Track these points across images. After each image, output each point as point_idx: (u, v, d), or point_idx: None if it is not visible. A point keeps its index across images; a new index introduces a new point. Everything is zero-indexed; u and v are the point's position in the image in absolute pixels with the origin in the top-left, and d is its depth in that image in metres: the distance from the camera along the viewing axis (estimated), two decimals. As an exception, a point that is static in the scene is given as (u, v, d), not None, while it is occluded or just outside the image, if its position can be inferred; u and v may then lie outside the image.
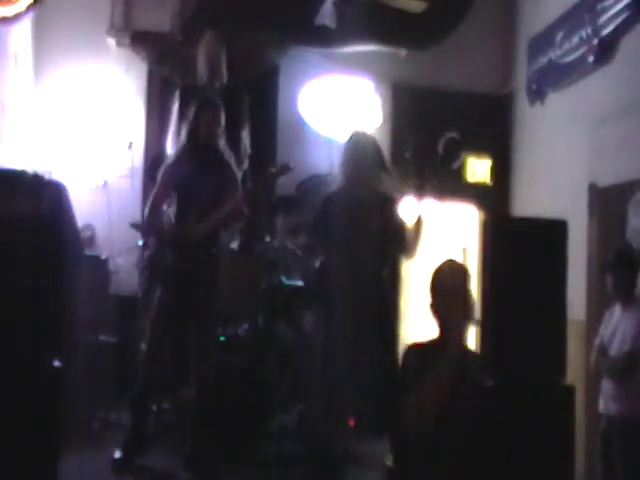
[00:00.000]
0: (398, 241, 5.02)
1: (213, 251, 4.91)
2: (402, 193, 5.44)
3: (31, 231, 3.46)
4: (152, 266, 5.14)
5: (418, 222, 5.03)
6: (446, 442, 3.27)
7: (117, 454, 4.84)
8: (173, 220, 4.98)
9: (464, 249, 9.00)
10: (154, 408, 5.36)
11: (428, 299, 3.53)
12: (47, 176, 3.83)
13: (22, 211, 3.49)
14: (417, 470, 3.32)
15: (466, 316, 3.51)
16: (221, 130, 4.99)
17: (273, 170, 5.06)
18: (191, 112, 5.01)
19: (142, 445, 4.88)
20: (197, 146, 4.94)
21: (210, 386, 4.95)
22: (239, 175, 5.15)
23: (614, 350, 5.10)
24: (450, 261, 3.65)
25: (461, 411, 3.29)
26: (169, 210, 5.06)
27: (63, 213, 3.74)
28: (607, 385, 5.14)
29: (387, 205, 5.06)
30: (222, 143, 5.02)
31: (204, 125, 4.92)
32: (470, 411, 3.32)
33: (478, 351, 3.74)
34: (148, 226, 5.03)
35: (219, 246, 5.01)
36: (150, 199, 5.01)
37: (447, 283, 3.49)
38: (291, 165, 5.07)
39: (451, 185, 7.71)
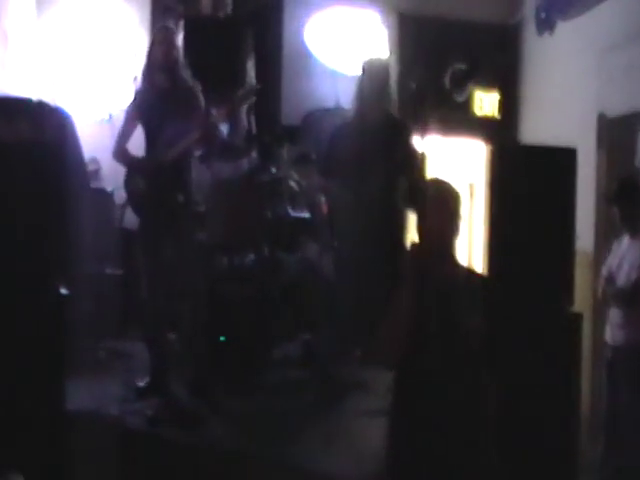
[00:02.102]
0: (412, 168, 4.99)
1: (180, 199, 4.91)
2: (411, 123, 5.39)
3: (35, 157, 3.45)
4: (127, 193, 5.15)
5: (422, 155, 4.98)
6: (429, 360, 3.21)
7: (140, 383, 4.89)
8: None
9: (471, 184, 8.97)
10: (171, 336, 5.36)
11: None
12: (52, 104, 3.81)
13: (27, 137, 3.47)
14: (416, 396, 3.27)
15: (449, 237, 3.37)
16: (178, 55, 4.97)
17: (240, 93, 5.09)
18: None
19: (163, 377, 4.91)
20: (155, 73, 4.92)
21: (204, 319, 4.97)
22: (202, 100, 5.11)
23: (621, 279, 5.10)
24: (438, 180, 3.54)
25: (443, 329, 3.21)
26: None
27: (68, 140, 3.73)
28: (614, 314, 5.16)
29: (400, 132, 5.02)
30: (183, 70, 4.98)
31: (158, 50, 4.90)
32: (460, 329, 3.24)
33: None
34: (117, 158, 5.02)
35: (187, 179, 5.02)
36: (117, 134, 5.04)
37: (433, 200, 3.37)
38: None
39: (458, 119, 7.64)
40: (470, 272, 3.49)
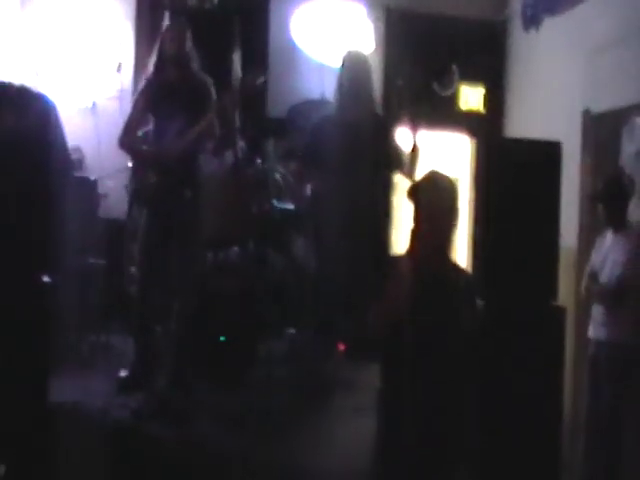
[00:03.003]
0: (395, 163, 4.98)
1: (188, 194, 4.86)
2: (395, 119, 5.38)
3: (17, 143, 3.41)
4: (133, 187, 5.09)
5: (414, 150, 4.97)
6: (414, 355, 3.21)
7: (122, 372, 4.85)
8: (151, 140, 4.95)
9: (456, 179, 8.96)
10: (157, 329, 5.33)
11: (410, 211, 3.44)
12: (35, 90, 3.77)
13: (8, 123, 3.43)
14: (404, 388, 3.28)
15: (446, 231, 3.40)
16: (190, 49, 4.95)
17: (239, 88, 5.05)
18: (159, 35, 5.00)
19: (147, 370, 4.88)
20: (167, 66, 4.90)
21: (194, 313, 4.94)
22: (213, 94, 5.07)
23: (605, 276, 5.11)
24: (434, 173, 3.52)
25: (430, 325, 3.22)
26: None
27: (51, 127, 3.68)
28: (597, 311, 5.17)
29: (383, 127, 5.01)
30: (194, 64, 4.97)
31: (170, 44, 4.89)
32: (447, 327, 3.25)
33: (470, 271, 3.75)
34: (123, 147, 4.96)
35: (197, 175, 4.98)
36: (125, 122, 4.99)
37: (428, 196, 3.37)
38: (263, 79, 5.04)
39: (444, 113, 7.63)
40: (457, 269, 3.49)
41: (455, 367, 3.28)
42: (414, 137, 4.99)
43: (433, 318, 3.20)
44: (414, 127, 5.04)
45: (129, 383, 4.80)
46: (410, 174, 4.98)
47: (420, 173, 5.12)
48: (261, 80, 5.07)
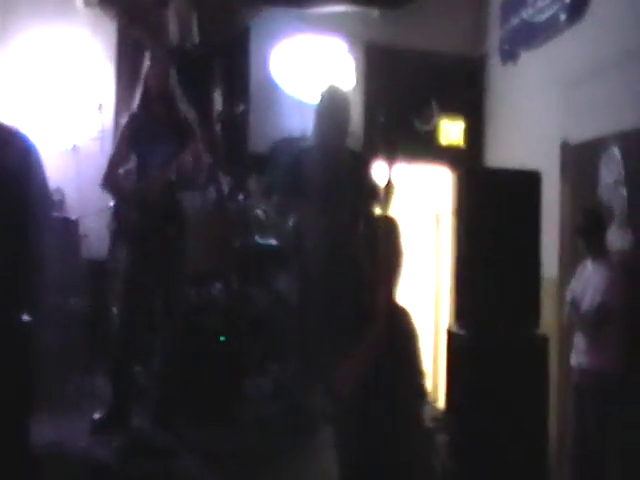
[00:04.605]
0: (371, 197, 5.00)
1: (172, 232, 4.84)
2: (375, 155, 5.40)
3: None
4: (115, 225, 5.06)
5: (389, 186, 4.99)
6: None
7: (97, 415, 4.79)
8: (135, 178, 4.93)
9: (437, 215, 9.01)
10: (136, 369, 5.29)
11: None
12: (14, 128, 3.76)
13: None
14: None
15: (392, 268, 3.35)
16: (174, 85, 4.96)
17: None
18: (143, 70, 5.00)
19: (124, 410, 4.83)
20: (151, 102, 4.90)
21: (178, 350, 4.90)
22: (197, 130, 5.08)
23: (586, 304, 5.14)
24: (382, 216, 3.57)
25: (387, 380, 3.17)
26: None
27: (30, 165, 3.66)
28: (579, 339, 5.19)
29: (361, 163, 5.03)
30: (179, 100, 4.97)
31: (155, 80, 4.90)
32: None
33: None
34: (107, 185, 4.94)
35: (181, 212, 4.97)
36: (108, 159, 4.97)
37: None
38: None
39: (424, 147, 7.70)
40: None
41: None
42: (390, 172, 5.02)
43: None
44: (391, 161, 5.06)
45: (105, 423, 4.74)
46: (385, 209, 5.00)
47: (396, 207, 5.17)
48: (240, 109, 5.09)
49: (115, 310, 4.94)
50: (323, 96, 5.09)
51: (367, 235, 3.56)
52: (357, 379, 3.13)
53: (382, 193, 4.98)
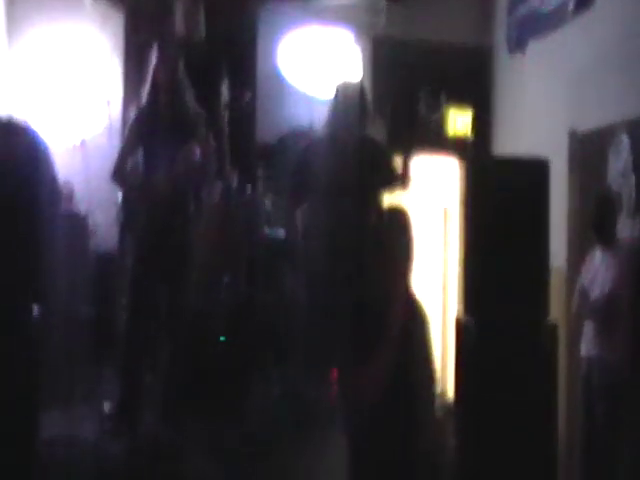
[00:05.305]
0: (387, 189, 5.01)
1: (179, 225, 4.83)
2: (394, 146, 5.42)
3: (6, 176, 3.41)
4: (123, 217, 5.06)
5: (405, 177, 5.01)
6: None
7: (107, 410, 4.82)
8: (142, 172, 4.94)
9: (445, 209, 8.98)
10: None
11: None
12: (23, 123, 3.78)
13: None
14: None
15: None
16: (182, 77, 4.98)
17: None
18: (151, 64, 5.01)
19: (133, 406, 4.84)
20: (159, 95, 4.93)
21: (184, 351, 4.91)
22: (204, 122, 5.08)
23: (595, 293, 5.13)
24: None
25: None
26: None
27: (41, 160, 3.68)
28: (589, 328, 5.18)
29: (379, 152, 5.04)
30: (187, 93, 4.98)
31: (163, 72, 4.92)
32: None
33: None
34: (116, 177, 4.94)
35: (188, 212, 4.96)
36: (118, 152, 5.00)
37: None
38: None
39: (431, 138, 7.67)
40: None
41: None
42: (406, 163, 5.04)
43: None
44: (408, 153, 5.09)
45: (115, 418, 4.76)
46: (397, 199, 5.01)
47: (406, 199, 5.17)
48: (248, 97, 5.09)
49: (124, 303, 4.95)
50: (338, 92, 5.10)
51: (379, 226, 3.53)
52: (383, 378, 3.09)
53: (399, 183, 5.02)
